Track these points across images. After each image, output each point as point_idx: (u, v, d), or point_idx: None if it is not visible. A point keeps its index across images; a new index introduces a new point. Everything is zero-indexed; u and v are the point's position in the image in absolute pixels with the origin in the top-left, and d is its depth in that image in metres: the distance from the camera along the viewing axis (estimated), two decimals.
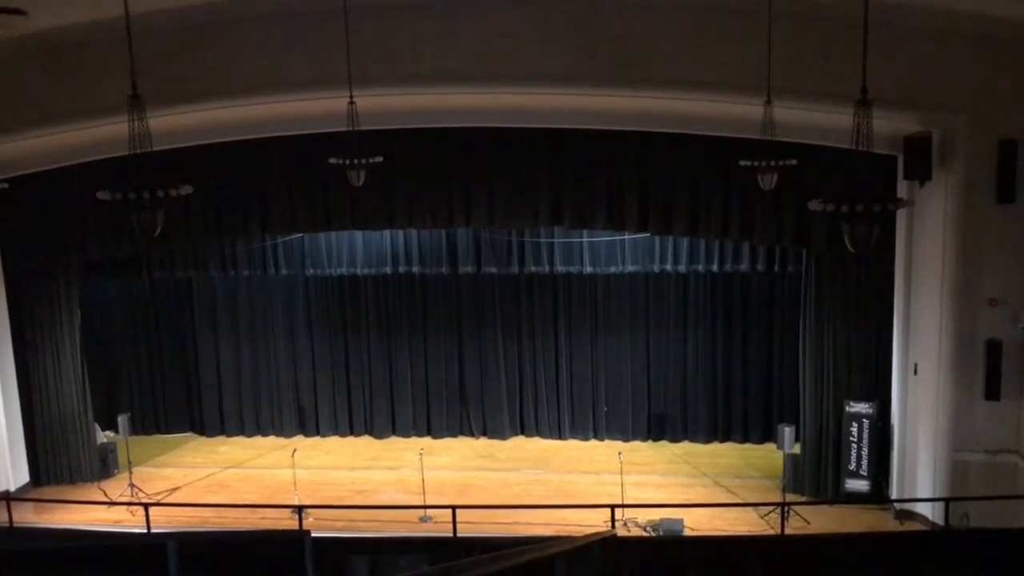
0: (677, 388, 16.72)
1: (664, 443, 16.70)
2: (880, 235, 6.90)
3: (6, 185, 11.62)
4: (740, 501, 13.50)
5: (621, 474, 13.20)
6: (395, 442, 17.36)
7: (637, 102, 12.30)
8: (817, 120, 11.31)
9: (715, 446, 16.51)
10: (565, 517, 12.14)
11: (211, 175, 13.59)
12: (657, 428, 16.88)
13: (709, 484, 14.55)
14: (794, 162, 10.00)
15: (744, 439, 16.55)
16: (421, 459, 13.85)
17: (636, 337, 16.72)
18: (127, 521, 13.18)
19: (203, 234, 14.94)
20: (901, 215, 12.16)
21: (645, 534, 12.26)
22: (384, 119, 12.06)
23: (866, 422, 13.11)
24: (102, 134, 11.73)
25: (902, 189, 12.05)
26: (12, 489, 14.45)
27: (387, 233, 16.12)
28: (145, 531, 11.05)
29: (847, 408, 13.27)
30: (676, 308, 16.47)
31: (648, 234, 14.81)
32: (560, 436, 17.18)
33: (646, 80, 11.63)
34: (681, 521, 12.22)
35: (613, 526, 10.51)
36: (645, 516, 12.64)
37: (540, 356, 17.11)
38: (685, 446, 16.56)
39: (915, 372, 12.51)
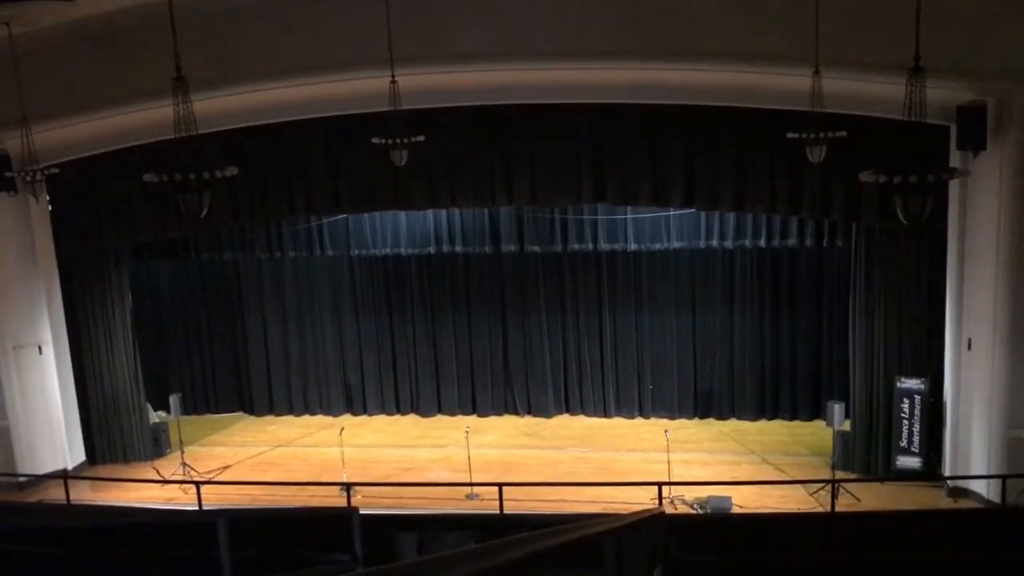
0: (724, 365, 16.57)
1: (711, 421, 16.59)
2: (933, 207, 6.75)
3: (57, 170, 11.82)
4: (789, 478, 13.36)
5: (668, 452, 13.13)
6: (441, 420, 17.47)
7: (681, 75, 12.13)
8: (867, 91, 11.07)
9: (763, 423, 16.36)
10: (611, 495, 12.11)
11: (256, 157, 13.70)
12: (704, 406, 16.76)
13: (757, 462, 14.42)
14: (843, 134, 9.77)
15: (792, 416, 16.38)
16: (467, 437, 13.90)
17: (682, 314, 16.59)
18: (179, 499, 13.43)
19: (249, 216, 15.06)
20: (954, 187, 11.86)
21: (693, 512, 12.20)
22: (426, 98, 12.07)
23: (918, 398, 12.88)
24: (149, 118, 11.90)
25: (955, 160, 11.73)
26: (69, 468, 14.80)
27: (430, 213, 16.14)
28: (197, 508, 11.25)
29: (898, 384, 13.04)
30: (722, 284, 16.31)
31: (693, 210, 14.65)
32: (605, 414, 17.14)
33: (690, 53, 11.46)
34: (729, 499, 12.13)
35: (660, 504, 10.48)
36: (692, 494, 12.55)
37: (584, 334, 17.06)
38: (732, 424, 16.43)
39: (968, 347, 12.24)
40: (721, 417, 16.63)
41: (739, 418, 16.55)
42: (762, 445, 15.19)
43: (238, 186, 13.28)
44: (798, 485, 12.85)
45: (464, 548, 1.29)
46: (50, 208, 14.70)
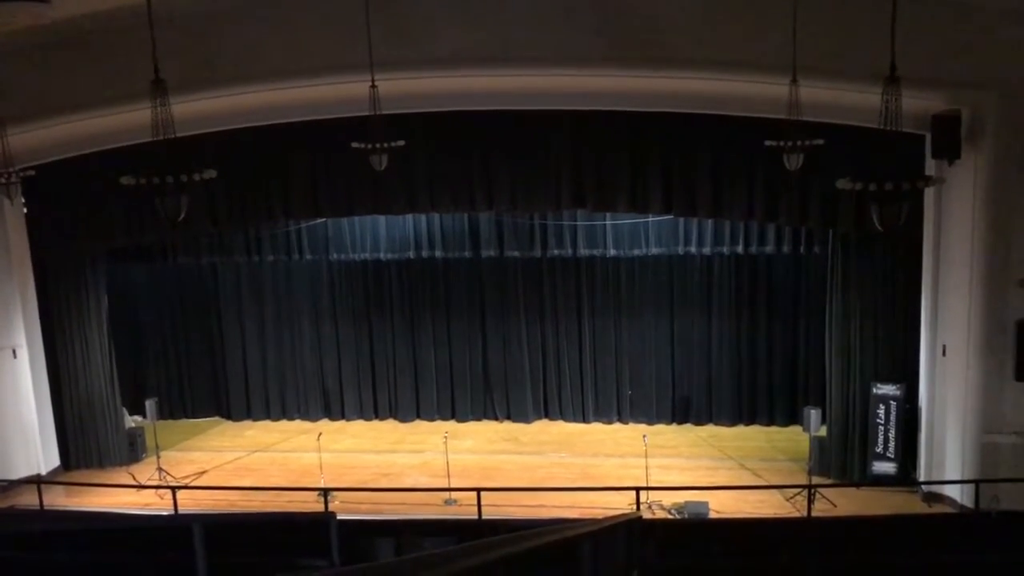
0: (702, 371, 16.65)
1: (689, 426, 16.66)
2: (908, 215, 6.82)
3: (33, 172, 11.72)
4: (765, 484, 13.43)
5: (646, 457, 13.16)
6: (419, 426, 17.45)
7: (660, 83, 12.20)
8: (844, 99, 11.18)
9: (740, 429, 16.45)
10: (590, 500, 12.13)
11: (234, 161, 13.61)
12: (682, 411, 16.84)
13: (734, 467, 14.50)
14: (820, 142, 9.88)
15: (770, 422, 16.49)
16: (445, 443, 13.89)
17: (660, 320, 16.66)
18: (155, 504, 13.33)
19: (227, 220, 14.96)
20: (929, 195, 11.99)
21: (670, 516, 12.24)
22: (406, 103, 12.06)
23: (893, 404, 13.01)
24: (126, 121, 11.81)
25: (930, 168, 11.86)
26: (43, 473, 14.64)
27: (410, 218, 16.13)
28: (172, 514, 11.17)
29: (874, 390, 13.17)
30: (700, 291, 16.39)
31: (672, 216, 14.72)
32: (584, 420, 17.18)
33: (670, 60, 11.54)
34: (706, 504, 12.18)
35: (638, 509, 10.51)
36: (670, 499, 12.60)
37: (564, 339, 17.10)
38: (710, 429, 16.51)
39: (943, 353, 12.37)
40: (699, 422, 16.70)
41: (717, 423, 16.64)
42: (739, 450, 15.28)
43: (217, 190, 13.23)
44: (775, 490, 12.93)
45: (442, 550, 1.30)
46: (25, 211, 14.57)
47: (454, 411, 17.63)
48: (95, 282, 15.64)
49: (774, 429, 16.30)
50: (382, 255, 16.72)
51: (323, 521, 6.63)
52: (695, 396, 16.75)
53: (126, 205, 13.97)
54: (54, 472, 15.14)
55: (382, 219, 16.23)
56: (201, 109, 12.05)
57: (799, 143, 9.53)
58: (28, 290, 14.93)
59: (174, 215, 7.22)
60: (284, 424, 17.90)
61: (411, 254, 16.62)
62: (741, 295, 16.24)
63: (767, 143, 10.09)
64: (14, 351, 14.58)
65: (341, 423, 17.72)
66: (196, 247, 16.87)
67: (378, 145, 9.90)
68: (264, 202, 14.66)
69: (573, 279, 16.81)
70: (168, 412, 17.85)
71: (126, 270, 17.77)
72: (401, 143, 10.27)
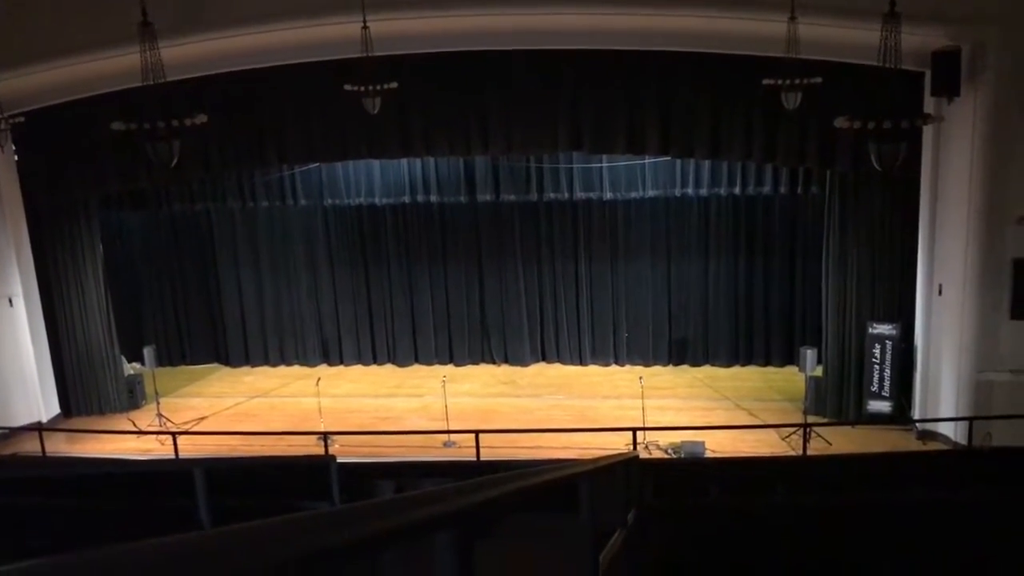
0: (698, 312, 16.70)
1: (685, 367, 16.76)
2: (907, 153, 6.78)
3: (22, 119, 11.57)
4: (761, 423, 13.54)
5: (642, 398, 13.26)
6: (418, 370, 17.53)
7: (659, 21, 12.01)
8: (842, 36, 11.01)
9: (736, 370, 16.55)
10: (587, 441, 12.22)
11: (226, 105, 13.44)
12: (678, 353, 16.93)
13: (730, 407, 14.61)
14: (819, 80, 9.76)
15: (766, 362, 16.59)
16: (444, 386, 13.95)
17: (657, 262, 16.66)
18: (156, 450, 13.43)
19: (220, 165, 14.85)
20: (928, 133, 11.90)
21: (667, 456, 12.35)
22: (398, 44, 11.88)
23: (889, 343, 13.06)
24: (116, 66, 11.61)
25: (929, 106, 11.74)
26: (43, 421, 14.72)
27: (404, 162, 16.02)
28: (174, 458, 11.25)
29: (870, 330, 13.22)
30: (698, 232, 16.37)
31: (669, 158, 14.62)
32: (581, 362, 17.27)
33: None
34: (702, 444, 12.30)
35: (635, 449, 10.59)
36: (666, 439, 12.71)
37: (560, 283, 17.11)
38: (706, 370, 16.60)
39: (940, 292, 12.40)
40: (695, 364, 16.80)
41: (713, 364, 16.74)
42: (735, 391, 15.38)
43: (208, 135, 13.04)
44: (771, 430, 13.05)
45: (441, 486, 1.29)
46: (16, 158, 14.42)
47: (452, 355, 17.71)
48: (90, 230, 15.55)
49: (770, 369, 16.41)
50: (377, 200, 16.64)
51: (323, 464, 6.67)
52: (691, 337, 16.82)
53: (118, 151, 13.81)
54: (55, 420, 15.22)
55: (376, 164, 16.11)
56: (191, 53, 11.86)
57: (797, 81, 9.44)
58: (22, 239, 14.86)
59: (166, 161, 7.16)
60: (282, 370, 17.98)
61: (406, 199, 16.54)
62: (738, 237, 16.22)
63: (765, 82, 9.99)
64: (10, 300, 14.56)
65: (339, 368, 17.81)
66: (190, 194, 16.79)
67: (371, 87, 9.78)
68: (257, 147, 14.52)
69: (570, 223, 16.76)
70: (166, 359, 17.91)
71: (121, 218, 17.71)
72: (394, 85, 10.15)
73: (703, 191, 15.51)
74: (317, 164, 15.95)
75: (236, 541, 0.76)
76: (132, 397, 15.89)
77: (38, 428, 13.39)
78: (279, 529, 0.82)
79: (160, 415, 14.80)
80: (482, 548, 1.38)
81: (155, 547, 0.66)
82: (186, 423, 14.74)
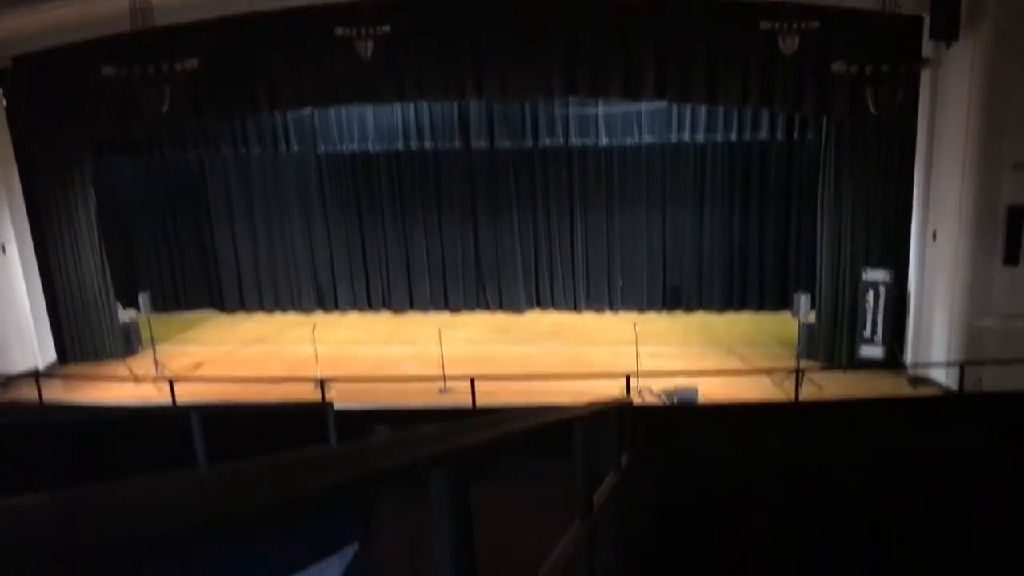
0: (693, 259, 16.73)
1: (679, 314, 16.84)
2: (904, 99, 6.73)
3: (9, 63, 11.41)
4: (754, 369, 13.62)
5: (636, 345, 13.32)
6: (414, 317, 17.58)
7: None
8: None
9: (730, 316, 16.62)
10: (581, 387, 12.28)
11: (217, 50, 13.25)
12: (672, 299, 16.99)
13: (723, 353, 14.69)
14: (816, 24, 9.66)
15: (759, 308, 16.67)
16: (439, 334, 13.99)
17: (652, 209, 16.63)
18: (153, 396, 13.47)
19: (211, 111, 14.69)
20: (926, 79, 11.80)
21: (660, 403, 12.43)
22: None
23: (882, 289, 13.11)
24: (104, 9, 11.43)
25: (928, 50, 11.63)
26: (40, 368, 14.76)
27: (398, 108, 15.87)
28: (171, 404, 11.31)
29: (863, 276, 13.25)
30: (693, 179, 16.33)
31: (665, 103, 14.51)
32: (576, 309, 17.32)
33: None
34: (695, 391, 12.37)
35: (629, 395, 10.67)
36: (660, 385, 12.79)
37: (556, 229, 17.09)
38: (700, 316, 16.68)
39: (934, 239, 12.42)
40: (689, 310, 16.88)
41: (707, 310, 16.82)
42: (729, 337, 15.46)
43: (199, 80, 12.90)
44: (763, 376, 13.13)
45: (433, 427, 1.30)
46: (5, 104, 14.26)
47: (447, 302, 17.74)
48: (82, 178, 15.43)
49: (764, 315, 16.49)
50: (370, 147, 16.52)
51: (320, 410, 6.73)
52: (686, 284, 16.87)
53: (109, 98, 13.64)
54: (51, 367, 15.25)
55: (369, 110, 15.96)
56: None
57: (795, 25, 9.34)
58: (14, 186, 14.75)
59: (157, 107, 7.09)
60: (278, 316, 18.02)
61: (400, 145, 16.41)
62: (733, 183, 16.18)
63: (763, 25, 9.87)
64: (3, 247, 14.50)
65: (335, 315, 17.85)
66: (182, 140, 16.62)
67: (363, 31, 9.66)
68: (248, 92, 14.36)
69: (565, 169, 16.69)
70: (162, 305, 17.91)
71: (114, 166, 17.55)
72: (386, 29, 10.01)
73: (699, 137, 15.41)
74: (309, 110, 15.78)
75: (235, 478, 0.76)
76: (128, 344, 15.91)
77: (35, 375, 13.42)
78: (277, 467, 0.83)
79: (156, 361, 14.84)
80: (477, 490, 1.40)
81: (152, 483, 0.67)
82: (182, 369, 14.78)
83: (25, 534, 0.56)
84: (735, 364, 14.10)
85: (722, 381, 12.95)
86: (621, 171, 16.54)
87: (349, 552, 4.39)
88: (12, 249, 14.64)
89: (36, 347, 15.01)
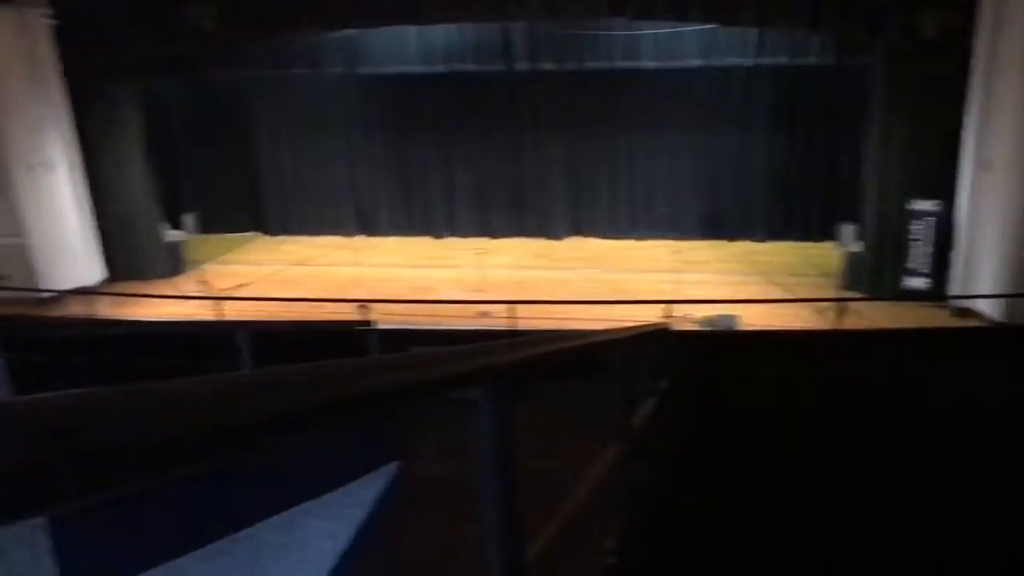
0: (736, 187, 16.52)
1: (722, 242, 16.67)
2: (961, 21, 6.49)
3: None
4: (796, 297, 13.51)
5: (677, 272, 13.25)
6: (454, 242, 17.62)
7: None
8: None
9: (774, 244, 16.44)
10: (620, 313, 12.27)
11: None
12: (715, 227, 16.81)
13: (765, 282, 14.57)
14: None
15: (803, 237, 16.46)
16: (479, 259, 14.02)
17: (696, 134, 16.39)
18: (199, 314, 13.70)
19: (254, 30, 14.58)
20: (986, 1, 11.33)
21: (700, 329, 12.41)
22: None
23: (931, 220, 12.85)
24: None
25: None
26: (89, 285, 15.04)
27: (440, 29, 15.64)
28: (218, 321, 11.50)
29: (911, 206, 12.99)
30: (739, 104, 16.04)
31: (712, 25, 14.14)
32: (617, 236, 17.23)
33: None
34: (736, 317, 12.32)
35: (668, 321, 10.65)
36: (700, 312, 12.74)
37: (597, 155, 16.91)
38: (743, 245, 16.52)
39: (989, 167, 12.08)
40: (732, 238, 16.71)
41: (750, 238, 16.64)
42: (771, 265, 15.32)
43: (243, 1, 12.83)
44: (805, 305, 13.02)
45: (479, 344, 1.31)
46: (53, 22, 14.26)
47: (487, 227, 17.73)
48: (128, 97, 15.53)
49: (808, 244, 16.28)
50: (412, 68, 16.35)
51: (363, 329, 6.80)
52: (729, 212, 16.68)
53: (153, 17, 13.60)
54: (99, 285, 15.52)
55: (412, 32, 15.75)
56: None
57: None
58: (59, 104, 14.82)
59: (203, 24, 7.06)
60: (320, 239, 18.16)
61: (442, 67, 16.22)
62: (779, 110, 15.88)
63: None
64: (52, 165, 14.65)
65: (376, 239, 17.95)
66: (226, 61, 16.57)
67: None
68: (291, 10, 14.22)
69: (608, 93, 16.42)
70: (206, 226, 18.11)
71: (158, 86, 17.60)
72: None
73: (748, 61, 15.04)
74: (351, 30, 15.61)
75: (287, 379, 0.78)
76: (174, 263, 16.16)
77: (84, 292, 13.69)
78: (326, 371, 0.84)
79: (202, 281, 15.07)
80: (518, 410, 1.41)
81: (203, 382, 0.69)
82: (227, 289, 14.99)
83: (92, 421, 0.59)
84: (777, 293, 13.98)
85: (763, 309, 12.86)
86: (665, 96, 16.24)
87: (390, 470, 4.49)
88: (62, 168, 14.80)
89: (85, 265, 15.27)
